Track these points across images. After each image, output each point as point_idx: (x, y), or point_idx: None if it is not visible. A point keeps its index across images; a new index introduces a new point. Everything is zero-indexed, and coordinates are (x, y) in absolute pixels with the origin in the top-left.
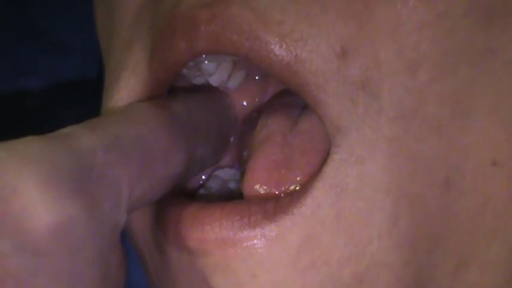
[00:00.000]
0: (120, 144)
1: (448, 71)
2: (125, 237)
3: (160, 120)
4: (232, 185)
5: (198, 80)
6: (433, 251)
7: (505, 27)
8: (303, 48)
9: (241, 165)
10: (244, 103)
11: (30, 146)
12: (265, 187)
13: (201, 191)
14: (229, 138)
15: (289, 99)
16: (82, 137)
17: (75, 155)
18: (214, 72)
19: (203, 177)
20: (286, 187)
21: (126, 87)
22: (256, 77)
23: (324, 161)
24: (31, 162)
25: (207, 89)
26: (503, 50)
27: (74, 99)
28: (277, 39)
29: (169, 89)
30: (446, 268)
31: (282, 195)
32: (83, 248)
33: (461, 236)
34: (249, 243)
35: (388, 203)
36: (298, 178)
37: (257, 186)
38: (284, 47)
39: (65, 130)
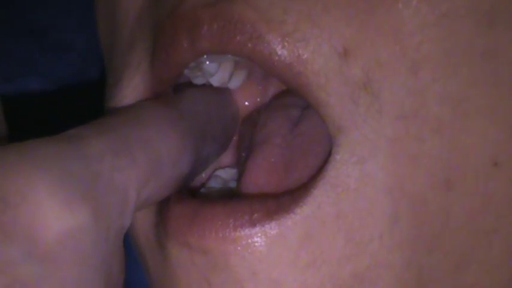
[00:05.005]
0: (129, 148)
1: (449, 71)
2: (125, 236)
3: (168, 122)
4: (233, 185)
5: (199, 81)
6: (433, 251)
7: (506, 29)
8: (305, 48)
9: (240, 165)
10: (245, 103)
11: (40, 149)
12: (263, 189)
13: (202, 190)
14: (233, 135)
15: (290, 99)
16: (91, 140)
17: (84, 160)
18: (216, 73)
19: (203, 175)
20: (285, 188)
21: (129, 85)
22: (258, 77)
23: (324, 162)
24: (42, 167)
25: (210, 86)
26: (504, 51)
27: (75, 98)
28: (279, 39)
29: (174, 87)
30: (447, 268)
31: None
32: (89, 255)
33: (462, 236)
34: (250, 241)
35: (389, 202)
36: (298, 180)
37: (255, 188)
38: (286, 47)
39: (73, 131)
